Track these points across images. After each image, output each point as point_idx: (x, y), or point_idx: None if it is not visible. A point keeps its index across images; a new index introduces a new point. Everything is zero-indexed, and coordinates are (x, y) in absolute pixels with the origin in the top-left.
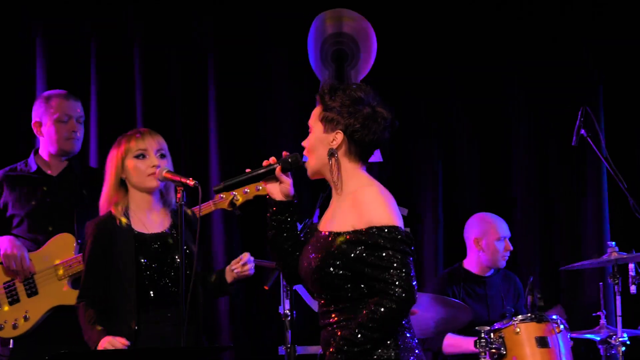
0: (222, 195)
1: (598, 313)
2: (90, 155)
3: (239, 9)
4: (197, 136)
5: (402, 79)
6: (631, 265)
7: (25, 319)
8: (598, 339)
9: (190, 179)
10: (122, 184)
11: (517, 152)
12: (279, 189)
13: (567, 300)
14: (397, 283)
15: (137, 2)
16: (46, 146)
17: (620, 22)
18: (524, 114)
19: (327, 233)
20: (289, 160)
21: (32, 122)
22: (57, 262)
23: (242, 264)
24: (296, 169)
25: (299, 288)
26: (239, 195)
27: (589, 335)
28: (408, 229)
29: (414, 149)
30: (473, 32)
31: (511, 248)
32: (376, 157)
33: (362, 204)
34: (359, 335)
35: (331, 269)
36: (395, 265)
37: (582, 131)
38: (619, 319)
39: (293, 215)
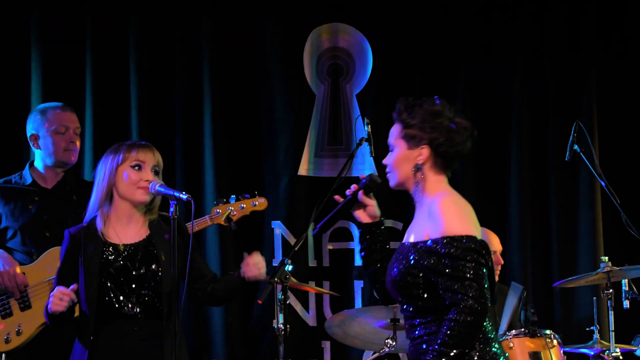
0: (218, 210)
1: (591, 328)
2: (85, 166)
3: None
4: (192, 149)
5: (398, 88)
6: (624, 281)
7: (18, 333)
8: (591, 353)
9: (184, 192)
10: (111, 192)
11: (513, 166)
12: (365, 213)
13: (560, 315)
14: (470, 294)
15: (135, 11)
16: (43, 158)
17: (616, 38)
18: (521, 128)
19: (407, 243)
20: (368, 183)
21: (28, 135)
22: (51, 275)
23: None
24: (376, 188)
25: (293, 302)
26: (236, 210)
27: (582, 350)
28: (483, 239)
29: None
30: (470, 46)
31: (502, 262)
32: (371, 170)
33: (436, 214)
34: (436, 354)
35: (409, 278)
36: (467, 275)
37: (576, 146)
38: (612, 334)
39: (381, 234)
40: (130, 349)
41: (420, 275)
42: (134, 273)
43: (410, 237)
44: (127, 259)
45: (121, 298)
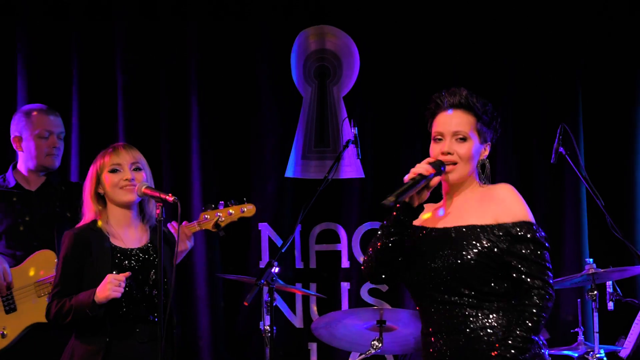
0: (206, 216)
1: (576, 330)
2: (72, 168)
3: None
4: (179, 151)
5: (385, 90)
6: (608, 282)
7: (3, 335)
8: (576, 355)
9: (170, 194)
10: (101, 200)
11: (499, 169)
12: (419, 198)
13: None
14: (550, 282)
15: (122, 14)
16: (25, 161)
17: (602, 42)
18: (506, 130)
19: (469, 227)
20: (439, 166)
21: (12, 136)
22: (37, 278)
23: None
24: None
25: (280, 304)
26: (224, 217)
27: (567, 352)
28: None
29: (399, 163)
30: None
31: None
32: (357, 172)
33: (510, 199)
34: (523, 339)
35: (485, 260)
36: (547, 263)
37: (561, 149)
38: (596, 336)
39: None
40: (132, 351)
41: (496, 258)
42: (140, 277)
43: (464, 221)
44: (134, 263)
45: (127, 300)
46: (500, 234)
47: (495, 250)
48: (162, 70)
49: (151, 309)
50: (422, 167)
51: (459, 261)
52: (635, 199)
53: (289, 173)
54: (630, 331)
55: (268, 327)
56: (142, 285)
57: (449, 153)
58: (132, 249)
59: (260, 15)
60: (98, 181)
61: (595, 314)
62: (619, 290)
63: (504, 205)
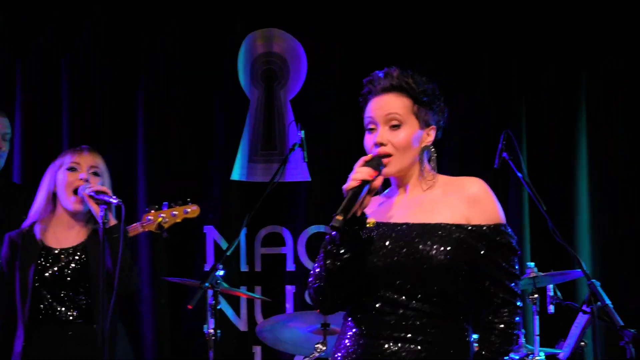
0: (150, 217)
1: (517, 332)
2: (14, 170)
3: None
4: (124, 153)
5: (332, 94)
6: (549, 286)
7: None
8: (517, 357)
9: (114, 196)
10: (54, 198)
11: (443, 173)
12: (360, 205)
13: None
14: (517, 292)
15: (64, 17)
16: None
17: (544, 48)
18: (451, 135)
19: (429, 224)
20: (378, 164)
21: None
22: None
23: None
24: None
25: (225, 307)
26: (167, 218)
27: None
28: None
29: (346, 167)
30: (402, 52)
31: None
32: (304, 176)
33: (479, 197)
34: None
35: (446, 261)
36: (518, 273)
37: (504, 154)
38: (537, 338)
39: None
40: (65, 354)
41: (465, 262)
42: (68, 279)
43: (431, 217)
44: (61, 264)
45: (55, 303)
46: (473, 236)
47: (466, 253)
48: (107, 71)
49: (81, 310)
50: (363, 172)
51: (424, 263)
52: (576, 204)
53: (235, 176)
54: (569, 334)
55: (212, 331)
56: (71, 286)
57: (382, 144)
58: (60, 249)
59: (207, 18)
60: (54, 179)
61: (536, 317)
62: (559, 293)
63: (478, 204)
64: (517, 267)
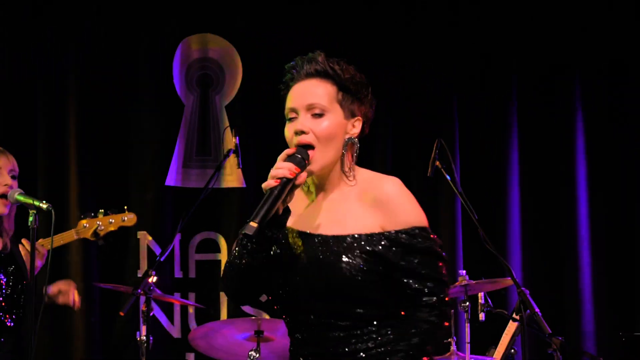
0: (85, 224)
1: (448, 340)
2: None
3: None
4: (56, 158)
5: (268, 100)
6: (481, 294)
7: None
8: None
9: (44, 201)
10: None
11: None
12: (282, 203)
13: None
14: (446, 299)
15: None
16: None
17: (476, 58)
18: (385, 143)
19: (349, 237)
20: (302, 159)
21: None
22: None
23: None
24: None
25: (158, 313)
26: (104, 225)
27: None
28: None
29: None
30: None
31: None
32: (239, 182)
33: (393, 199)
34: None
35: (367, 275)
36: (443, 277)
37: (437, 163)
38: (468, 346)
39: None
40: None
41: (379, 271)
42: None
43: (346, 229)
44: None
45: None
46: (387, 244)
47: (380, 264)
48: (39, 75)
49: (16, 316)
50: (284, 169)
51: (336, 276)
52: (507, 213)
53: (170, 181)
54: (500, 341)
55: (144, 337)
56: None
57: (302, 132)
58: None
59: (143, 22)
60: None
61: (467, 325)
62: (490, 301)
63: (391, 208)
64: (441, 272)
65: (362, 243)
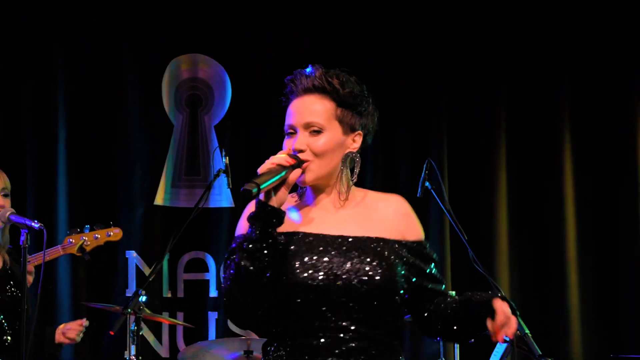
0: (71, 240)
1: None
2: None
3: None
4: (45, 175)
5: (257, 121)
6: None
7: None
8: None
9: (36, 221)
10: None
11: None
12: (274, 195)
13: (411, 350)
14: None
15: None
16: None
17: (462, 78)
18: (375, 165)
19: (365, 237)
20: (300, 162)
21: None
22: None
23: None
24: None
25: (146, 333)
26: (89, 240)
27: None
28: None
29: None
30: None
31: None
32: (228, 202)
33: (409, 214)
34: None
35: (397, 278)
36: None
37: (427, 183)
38: None
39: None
40: None
41: (407, 279)
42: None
43: (367, 231)
44: None
45: None
46: (409, 253)
47: (406, 270)
48: (28, 92)
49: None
50: (280, 157)
51: (365, 282)
52: (495, 234)
53: (158, 201)
54: None
55: (133, 357)
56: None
57: (300, 150)
58: None
59: (132, 42)
60: None
61: (457, 346)
62: None
63: (409, 221)
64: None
65: (389, 246)
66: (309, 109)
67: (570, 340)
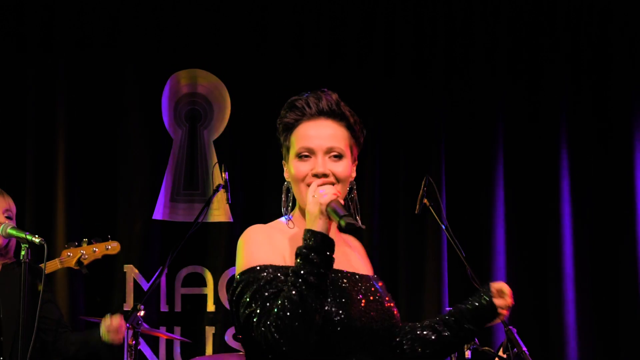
0: (69, 253)
1: None
2: None
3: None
4: (44, 189)
5: (256, 136)
6: None
7: None
8: None
9: (36, 235)
10: None
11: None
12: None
13: None
14: None
15: None
16: None
17: (463, 97)
18: (373, 181)
19: (370, 276)
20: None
21: None
22: None
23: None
24: None
25: (143, 347)
26: (87, 254)
27: None
28: None
29: (267, 208)
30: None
31: None
32: (226, 216)
33: (363, 250)
34: None
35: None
36: None
37: (425, 200)
38: None
39: None
40: None
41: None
42: None
43: (359, 269)
44: None
45: None
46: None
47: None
48: (29, 106)
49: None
50: (331, 187)
51: (390, 315)
52: (492, 250)
53: (157, 215)
54: None
55: None
56: None
57: (324, 175)
58: None
59: (132, 57)
60: None
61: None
62: (476, 339)
63: (365, 258)
64: None
65: (377, 284)
66: (330, 134)
67: (567, 356)
